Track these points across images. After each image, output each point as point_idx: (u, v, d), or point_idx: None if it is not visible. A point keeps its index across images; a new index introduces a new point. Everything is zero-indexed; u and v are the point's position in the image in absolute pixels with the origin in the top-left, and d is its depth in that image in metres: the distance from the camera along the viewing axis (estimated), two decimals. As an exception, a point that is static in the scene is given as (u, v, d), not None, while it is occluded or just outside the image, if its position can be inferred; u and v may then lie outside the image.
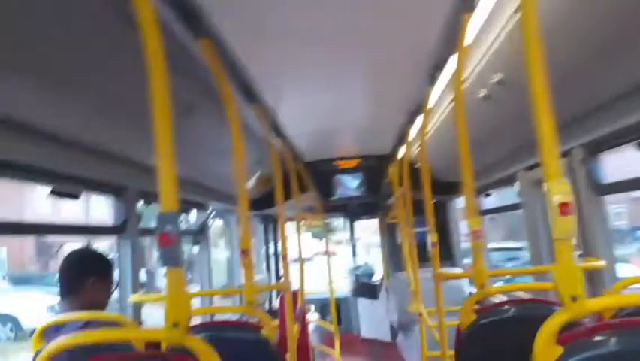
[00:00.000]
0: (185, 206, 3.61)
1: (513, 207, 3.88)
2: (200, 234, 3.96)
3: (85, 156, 2.24)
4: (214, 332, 1.93)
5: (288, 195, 3.70)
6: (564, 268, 1.06)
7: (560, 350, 1.02)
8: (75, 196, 2.31)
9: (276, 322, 3.10)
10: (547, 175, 1.08)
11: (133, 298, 2.45)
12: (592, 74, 1.92)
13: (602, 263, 2.37)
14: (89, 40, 1.55)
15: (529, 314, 1.84)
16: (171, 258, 1.10)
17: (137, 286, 2.66)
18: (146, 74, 1.19)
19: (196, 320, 2.12)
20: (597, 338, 1.04)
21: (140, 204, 2.82)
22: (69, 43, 1.50)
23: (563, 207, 1.05)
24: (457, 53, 1.83)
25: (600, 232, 2.44)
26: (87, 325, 1.77)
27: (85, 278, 1.98)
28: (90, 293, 1.98)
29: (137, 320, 2.57)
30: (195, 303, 3.63)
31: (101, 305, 2.02)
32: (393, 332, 6.27)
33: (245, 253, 1.93)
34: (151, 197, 2.74)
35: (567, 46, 1.76)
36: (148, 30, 1.18)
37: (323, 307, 6.48)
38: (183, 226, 4.15)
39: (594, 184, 2.42)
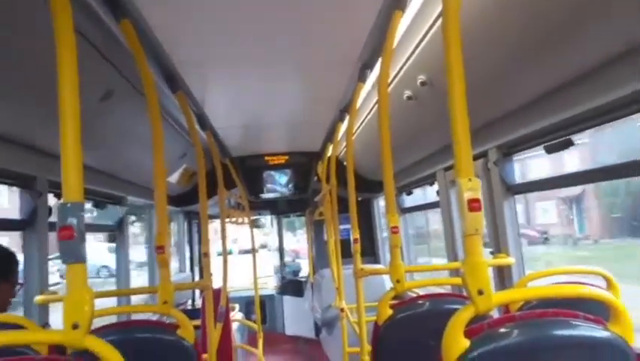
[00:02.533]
0: (101, 199, 3.40)
1: (431, 205, 4.05)
2: (117, 230, 3.75)
3: None
4: (125, 333, 1.83)
5: (213, 191, 3.60)
6: (472, 263, 1.10)
7: (467, 343, 1.07)
8: None
9: (197, 321, 3.01)
10: (459, 173, 1.12)
11: (38, 298, 2.27)
12: (507, 81, 2.04)
13: (510, 260, 2.53)
14: None
15: (443, 308, 1.92)
16: (73, 253, 1.02)
17: (44, 285, 2.47)
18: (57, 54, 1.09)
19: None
20: (501, 330, 1.10)
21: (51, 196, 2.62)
22: None
23: (472, 204, 1.09)
24: (385, 52, 1.86)
25: (510, 230, 2.61)
26: None
27: None
28: None
29: (44, 322, 2.39)
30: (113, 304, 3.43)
31: (4, 306, 1.85)
32: (318, 329, 6.33)
33: (160, 249, 1.84)
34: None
35: (486, 53, 1.86)
36: (57, 4, 1.08)
37: (248, 305, 6.40)
38: (100, 221, 3.92)
39: (506, 184, 2.58)
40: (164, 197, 1.93)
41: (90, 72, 1.99)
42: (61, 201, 1.04)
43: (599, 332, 1.10)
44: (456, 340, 1.06)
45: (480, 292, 1.07)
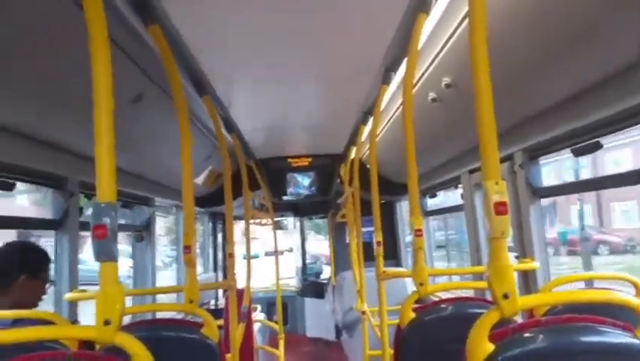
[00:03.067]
0: (130, 200, 3.48)
1: (456, 208, 4.01)
2: (145, 230, 3.83)
3: (21, 143, 2.11)
4: (151, 330, 1.87)
5: (238, 193, 3.64)
6: (497, 266, 1.08)
7: (491, 347, 1.06)
8: (9, 187, 2.18)
9: (220, 321, 3.05)
10: (486, 175, 1.12)
11: (68, 296, 2.34)
12: (533, 83, 2.02)
13: (535, 264, 2.49)
14: (28, 21, 1.46)
15: (467, 312, 1.90)
16: (106, 252, 1.05)
17: (75, 283, 2.55)
18: (89, 59, 1.14)
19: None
20: (527, 335, 1.09)
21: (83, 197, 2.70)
22: (6, 24, 1.41)
23: (499, 207, 1.08)
24: (409, 54, 1.86)
25: (536, 234, 2.57)
26: (15, 323, 1.67)
27: (15, 275, 1.87)
28: (20, 291, 1.88)
29: (73, 318, 2.46)
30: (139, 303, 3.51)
31: (31, 304, 1.91)
32: (338, 331, 6.33)
33: (187, 249, 1.87)
34: (93, 190, 2.62)
35: (512, 55, 1.84)
36: (92, 12, 1.12)
37: (270, 306, 6.44)
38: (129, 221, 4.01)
39: (532, 188, 2.54)
40: (191, 198, 1.97)
41: (121, 76, 2.05)
42: (95, 201, 1.08)
43: (626, 339, 1.08)
44: (481, 344, 1.06)
45: (505, 296, 1.06)
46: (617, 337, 1.09)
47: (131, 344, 1.05)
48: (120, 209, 3.61)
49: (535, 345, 1.08)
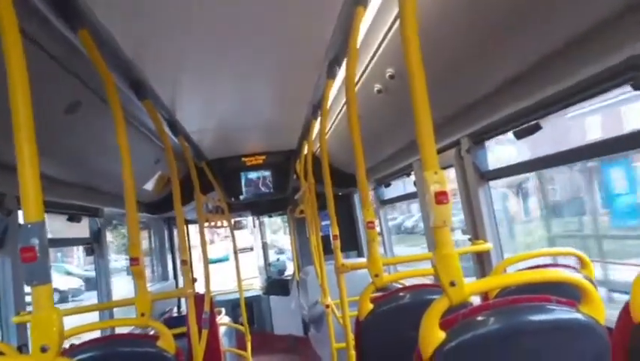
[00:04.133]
0: (75, 212, 3.33)
1: (410, 196, 4.08)
2: (94, 242, 3.68)
3: None
4: (104, 348, 1.81)
5: (190, 196, 3.55)
6: (442, 255, 1.10)
7: (442, 335, 1.07)
8: None
9: (184, 328, 2.98)
10: (425, 166, 1.13)
11: (15, 318, 2.22)
12: (472, 69, 2.06)
13: (488, 245, 2.56)
14: None
15: (424, 299, 1.93)
16: (37, 274, 1.00)
17: (21, 305, 2.41)
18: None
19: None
20: (475, 320, 1.11)
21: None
22: None
23: (439, 197, 1.09)
24: (350, 47, 1.86)
25: (487, 216, 2.64)
26: None
27: None
28: None
29: (22, 342, 2.33)
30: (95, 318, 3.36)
31: None
32: (306, 326, 6.34)
33: (135, 261, 1.81)
34: None
35: (451, 43, 1.87)
36: (1, 11, 1.04)
37: (235, 308, 6.37)
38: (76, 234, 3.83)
39: (480, 171, 2.61)
40: (134, 207, 1.91)
41: (53, 85, 1.94)
42: (22, 222, 1.01)
43: (570, 314, 1.12)
44: (432, 332, 1.07)
45: (452, 284, 1.08)
46: (561, 313, 1.13)
47: None
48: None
49: (483, 329, 1.10)
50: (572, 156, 2.12)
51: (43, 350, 0.98)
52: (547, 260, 2.51)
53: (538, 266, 2.01)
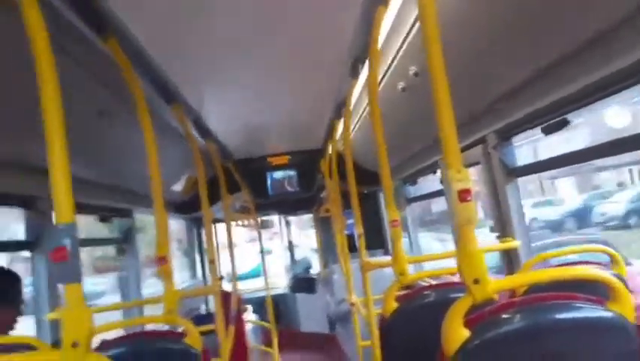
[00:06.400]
0: (106, 214, 3.42)
1: (437, 193, 4.03)
2: (125, 242, 3.78)
3: None
4: (131, 345, 1.86)
5: (218, 197, 3.61)
6: (466, 252, 1.09)
7: (466, 333, 1.06)
8: None
9: (212, 326, 3.03)
10: (447, 164, 1.12)
11: (49, 315, 2.30)
12: (499, 64, 2.02)
13: (516, 243, 2.52)
14: None
15: (449, 298, 1.90)
16: (68, 274, 1.04)
17: (55, 302, 2.50)
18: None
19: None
20: (500, 318, 1.09)
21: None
22: None
23: (463, 195, 1.08)
24: (372, 46, 1.86)
25: (515, 213, 2.59)
26: None
27: None
28: None
29: (56, 338, 2.42)
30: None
31: (5, 328, 1.87)
32: (332, 324, 6.35)
33: (162, 260, 1.85)
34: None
35: (476, 38, 1.84)
36: (32, 24, 1.08)
37: (262, 305, 6.44)
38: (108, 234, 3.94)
39: (507, 168, 2.57)
40: (162, 208, 1.95)
41: (83, 90, 2.01)
42: (55, 222, 1.05)
43: (598, 313, 1.10)
44: (455, 330, 1.06)
45: (476, 281, 1.07)
46: (589, 311, 1.10)
47: None
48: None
49: (508, 327, 1.09)
50: (605, 150, 2.06)
51: (74, 345, 1.02)
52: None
53: (567, 264, 1.97)
